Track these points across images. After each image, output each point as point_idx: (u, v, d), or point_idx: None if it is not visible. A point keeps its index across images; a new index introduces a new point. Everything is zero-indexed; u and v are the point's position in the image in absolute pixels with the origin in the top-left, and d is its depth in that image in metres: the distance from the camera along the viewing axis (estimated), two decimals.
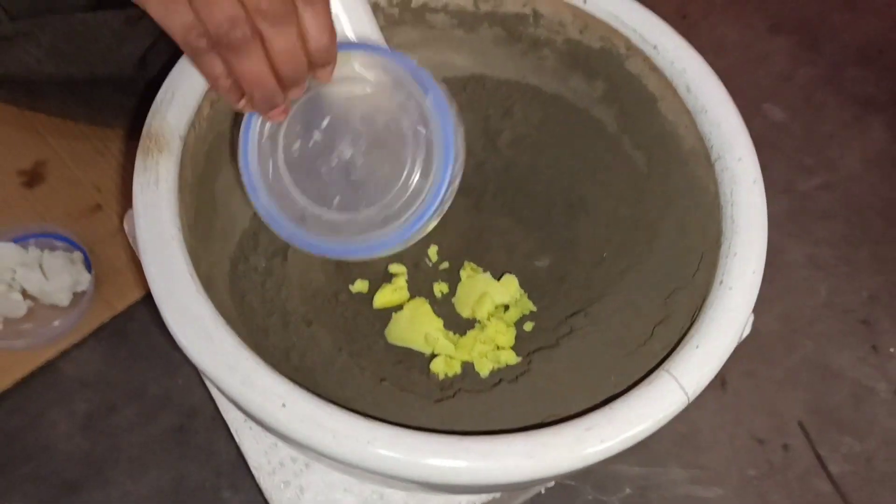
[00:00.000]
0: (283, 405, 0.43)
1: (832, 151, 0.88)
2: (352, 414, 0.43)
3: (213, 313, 0.46)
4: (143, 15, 0.70)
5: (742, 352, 0.77)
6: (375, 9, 0.60)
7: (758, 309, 0.68)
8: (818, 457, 0.73)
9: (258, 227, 0.60)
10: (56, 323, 0.75)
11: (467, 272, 0.62)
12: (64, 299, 0.76)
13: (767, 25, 0.97)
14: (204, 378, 0.70)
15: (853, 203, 0.85)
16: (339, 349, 0.56)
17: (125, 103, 0.77)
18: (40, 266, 0.76)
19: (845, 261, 0.82)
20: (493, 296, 0.60)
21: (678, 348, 0.47)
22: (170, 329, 0.45)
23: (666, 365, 0.46)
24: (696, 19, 0.94)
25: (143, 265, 0.47)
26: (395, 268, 0.62)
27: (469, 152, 0.66)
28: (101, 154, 0.85)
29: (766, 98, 0.91)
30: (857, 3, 0.99)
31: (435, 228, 0.63)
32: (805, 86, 0.92)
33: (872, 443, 0.74)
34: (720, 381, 0.76)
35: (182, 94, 0.52)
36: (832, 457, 0.73)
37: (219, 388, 0.45)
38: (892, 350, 0.78)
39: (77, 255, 0.78)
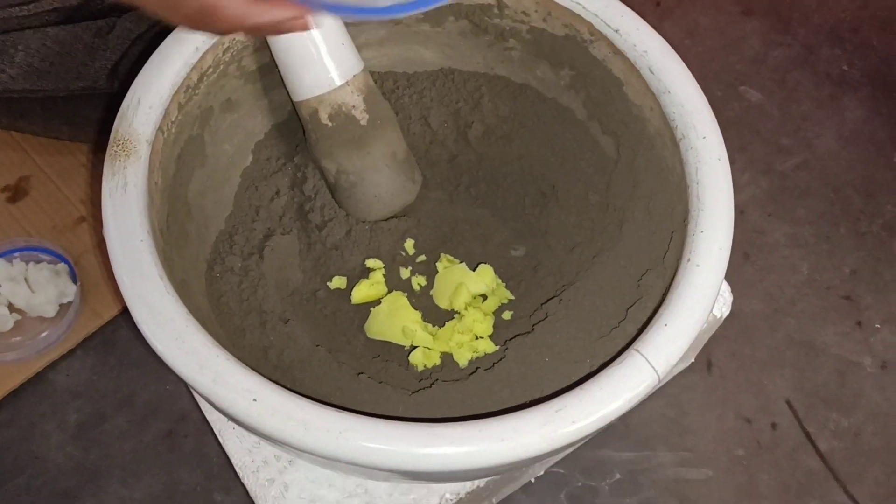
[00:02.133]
0: (254, 400, 0.43)
1: (809, 131, 0.88)
2: (323, 406, 0.43)
3: (184, 314, 0.46)
4: (113, 26, 0.71)
5: (726, 333, 0.78)
6: None
7: (740, 290, 0.69)
8: (806, 434, 0.73)
9: (234, 228, 0.61)
10: (44, 334, 0.76)
11: (444, 264, 0.63)
12: (51, 311, 0.76)
13: (740, 10, 0.97)
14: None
15: (831, 181, 0.85)
16: (317, 346, 0.56)
17: (102, 117, 0.78)
18: (26, 279, 0.77)
19: (825, 238, 0.82)
20: (470, 286, 0.60)
21: (647, 327, 0.47)
22: (141, 331, 0.46)
23: (635, 344, 0.46)
24: (669, 6, 0.94)
25: (113, 269, 0.47)
26: (371, 262, 0.63)
27: (441, 145, 0.67)
28: (84, 167, 0.86)
29: (742, 81, 0.92)
30: None
31: (410, 222, 0.64)
32: (779, 67, 0.93)
33: (860, 417, 0.74)
34: (706, 362, 0.76)
35: (148, 99, 0.53)
36: (820, 433, 0.74)
37: (191, 388, 0.46)
38: (877, 325, 0.78)
39: (62, 266, 0.79)
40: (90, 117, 0.77)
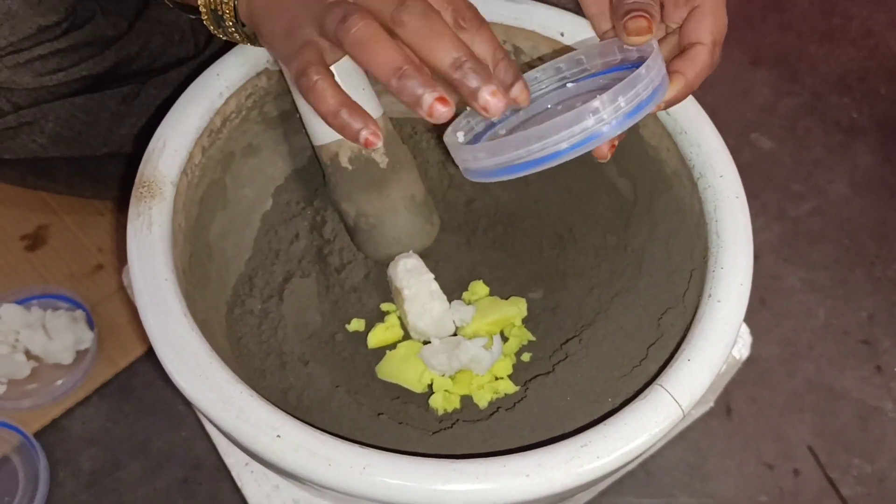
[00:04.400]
0: (278, 436, 0.43)
1: (820, 177, 0.89)
2: (346, 442, 0.43)
3: (208, 351, 0.46)
4: (139, 93, 0.72)
5: (744, 378, 0.78)
6: None
7: (757, 335, 0.69)
8: (829, 480, 0.72)
9: (253, 271, 0.61)
10: (60, 382, 0.76)
11: (474, 293, 0.63)
12: (67, 358, 0.77)
13: (748, 59, 0.99)
14: (203, 421, 0.71)
15: (845, 226, 0.86)
16: (337, 387, 0.56)
17: (125, 174, 0.79)
18: (43, 326, 0.77)
19: (841, 283, 0.82)
20: (504, 310, 0.61)
21: (670, 363, 0.47)
22: (165, 368, 0.46)
23: (659, 379, 0.46)
24: None
25: (138, 307, 0.48)
26: (386, 306, 0.63)
27: (459, 189, 0.67)
28: (102, 215, 0.87)
29: (752, 129, 0.93)
30: (834, 34, 1.01)
31: (428, 265, 0.64)
32: (789, 115, 0.94)
33: (883, 463, 0.73)
34: (725, 408, 0.76)
35: (173, 143, 0.54)
36: (843, 479, 0.72)
37: (214, 424, 0.45)
38: None
39: (79, 313, 0.79)
40: (113, 174, 0.78)
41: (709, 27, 0.50)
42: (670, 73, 0.49)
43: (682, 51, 0.51)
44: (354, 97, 0.56)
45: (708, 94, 0.56)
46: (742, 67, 0.98)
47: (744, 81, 0.97)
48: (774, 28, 1.02)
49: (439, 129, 0.67)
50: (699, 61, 0.50)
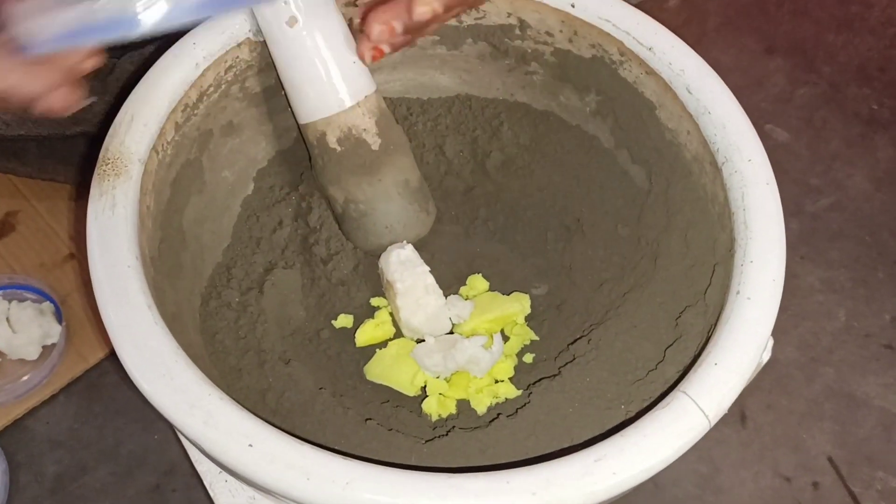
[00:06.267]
0: (250, 445, 0.38)
1: (839, 171, 0.85)
2: (327, 453, 0.38)
3: (174, 347, 0.41)
4: (113, 67, 0.67)
5: (760, 383, 0.73)
6: (353, 26, 0.57)
7: (774, 337, 0.64)
8: (851, 494, 0.68)
9: (232, 261, 0.56)
10: (24, 378, 0.70)
11: (471, 288, 0.59)
12: (33, 353, 0.71)
13: (762, 48, 0.94)
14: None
15: (865, 223, 0.81)
16: (321, 388, 0.51)
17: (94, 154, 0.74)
18: (7, 319, 0.72)
19: (862, 283, 0.78)
20: (505, 307, 0.56)
21: (694, 367, 0.42)
22: (125, 365, 0.41)
23: (682, 386, 0.41)
24: (689, 44, 0.91)
25: (97, 296, 0.43)
26: (377, 301, 0.58)
27: (457, 176, 0.63)
28: (76, 201, 0.82)
29: (767, 120, 0.88)
30: (853, 22, 0.96)
31: (422, 257, 0.59)
32: (805, 106, 0.89)
33: None
34: (740, 415, 0.71)
35: (143, 116, 0.49)
36: (866, 493, 0.68)
37: (179, 431, 0.40)
38: None
39: (47, 305, 0.74)
40: (88, 157, 0.74)
41: None
42: None
43: None
44: (346, 69, 0.52)
45: None
46: (756, 56, 0.93)
47: (758, 70, 0.92)
48: (790, 15, 0.97)
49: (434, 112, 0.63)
50: None
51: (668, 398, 0.41)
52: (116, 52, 0.68)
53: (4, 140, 0.68)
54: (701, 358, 0.42)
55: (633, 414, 0.46)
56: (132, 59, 0.68)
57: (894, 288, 0.78)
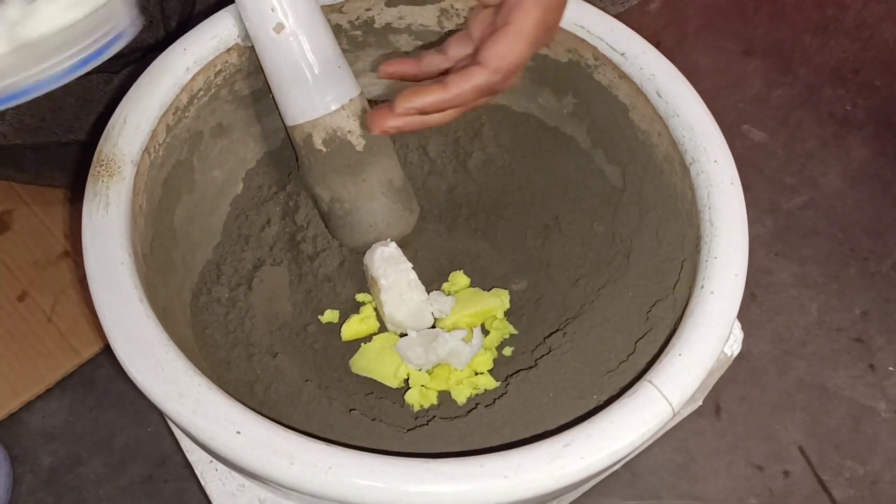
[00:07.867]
0: (238, 432, 0.40)
1: (813, 170, 0.87)
2: (311, 439, 0.40)
3: (165, 339, 0.43)
4: (111, 78, 0.68)
5: (734, 376, 0.75)
6: (338, 32, 0.58)
7: (747, 331, 0.67)
8: (821, 482, 0.70)
9: (221, 258, 0.58)
10: None
11: (454, 284, 0.60)
12: None
13: (740, 50, 0.96)
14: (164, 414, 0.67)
15: (838, 220, 0.83)
16: (307, 380, 0.53)
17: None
18: None
19: (834, 278, 0.80)
20: (486, 302, 0.58)
21: (660, 358, 0.44)
22: (118, 356, 0.43)
23: (647, 375, 0.43)
24: (669, 47, 0.94)
25: (91, 291, 0.44)
26: (362, 296, 0.60)
27: (440, 176, 0.65)
28: (72, 202, 0.83)
29: (744, 120, 0.90)
30: (828, 25, 0.99)
31: (406, 254, 0.61)
32: (781, 107, 0.91)
33: (876, 465, 0.71)
34: (714, 407, 0.73)
35: (135, 119, 0.51)
36: (835, 481, 0.70)
37: (170, 419, 0.42)
38: (890, 368, 0.75)
39: None
40: (84, 163, 0.75)
41: (499, 52, 0.45)
42: (441, 80, 0.46)
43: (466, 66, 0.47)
44: (331, 74, 0.54)
45: (698, 85, 0.54)
46: (734, 58, 0.96)
47: (736, 72, 0.94)
48: (767, 18, 0.99)
49: None
50: (470, 81, 0.45)
51: (634, 387, 0.43)
52: (115, 66, 0.69)
53: (2, 149, 0.69)
54: (666, 349, 0.44)
55: (603, 402, 0.48)
56: (130, 74, 0.69)
57: (865, 283, 0.80)
